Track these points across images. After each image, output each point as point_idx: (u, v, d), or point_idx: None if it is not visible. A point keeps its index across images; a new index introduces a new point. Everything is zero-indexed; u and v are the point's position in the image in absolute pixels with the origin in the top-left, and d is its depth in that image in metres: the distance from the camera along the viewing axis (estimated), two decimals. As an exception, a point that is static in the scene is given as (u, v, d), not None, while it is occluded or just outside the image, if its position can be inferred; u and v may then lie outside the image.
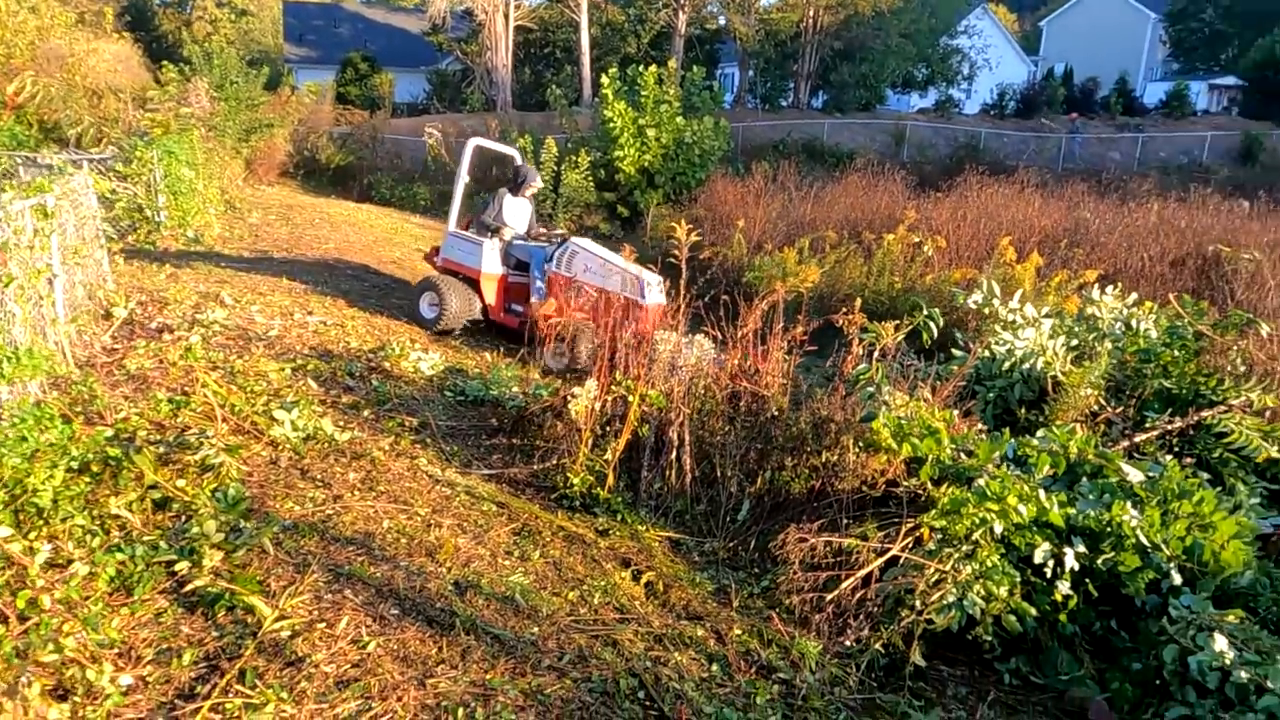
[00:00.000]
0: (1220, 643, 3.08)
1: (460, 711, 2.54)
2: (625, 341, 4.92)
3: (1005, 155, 27.53)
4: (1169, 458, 4.47)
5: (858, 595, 3.63)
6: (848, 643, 3.50)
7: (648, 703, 2.85)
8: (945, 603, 3.49)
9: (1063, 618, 3.64)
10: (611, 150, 18.25)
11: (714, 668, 3.19)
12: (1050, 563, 3.62)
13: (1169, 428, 4.87)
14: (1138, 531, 3.63)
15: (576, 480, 4.45)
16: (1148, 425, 4.98)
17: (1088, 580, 3.66)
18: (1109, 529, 3.68)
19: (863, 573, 3.67)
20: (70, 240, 5.44)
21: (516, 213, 8.05)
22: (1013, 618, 3.52)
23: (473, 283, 7.70)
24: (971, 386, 5.73)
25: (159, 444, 3.68)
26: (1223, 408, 4.90)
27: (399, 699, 2.53)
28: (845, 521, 4.11)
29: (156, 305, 6.24)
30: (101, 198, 8.38)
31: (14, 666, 2.15)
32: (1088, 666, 3.64)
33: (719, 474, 4.58)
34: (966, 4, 36.17)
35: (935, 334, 5.09)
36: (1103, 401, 5.26)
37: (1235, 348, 5.84)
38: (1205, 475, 4.45)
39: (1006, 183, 15.03)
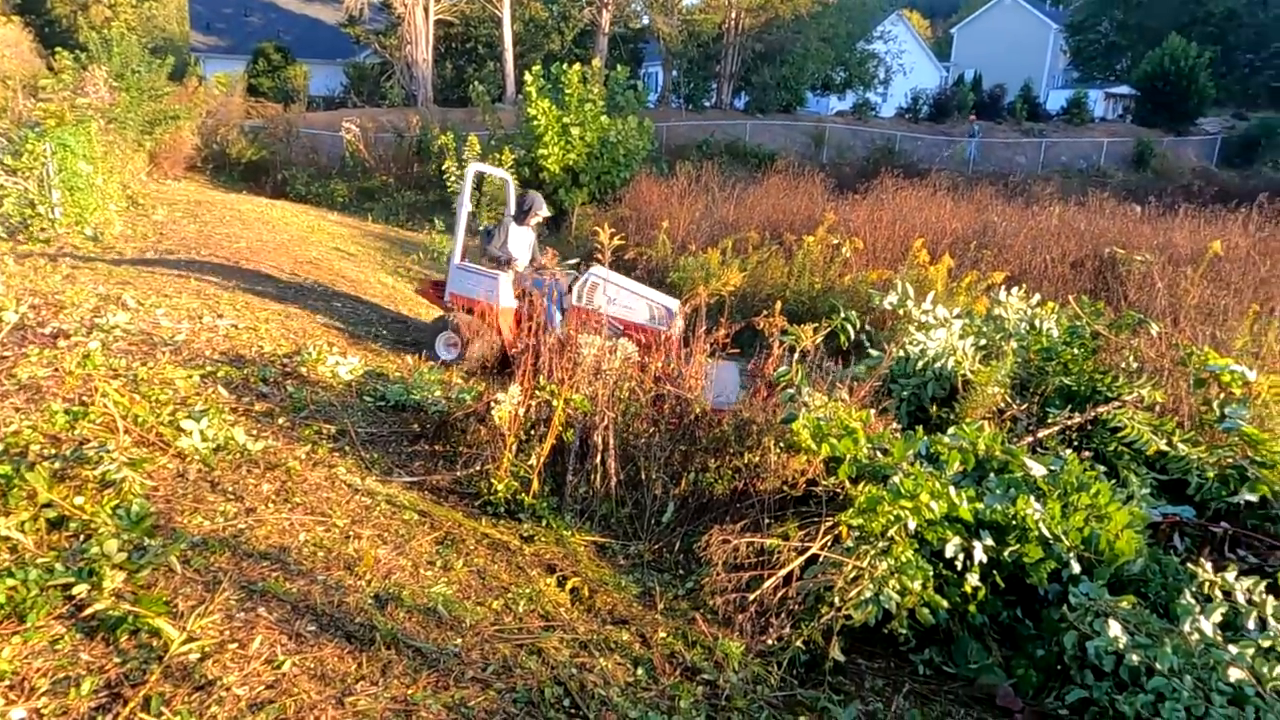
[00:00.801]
0: (1114, 628, 3.26)
1: (381, 729, 2.49)
2: (548, 345, 4.90)
3: (919, 158, 28.53)
4: (1069, 452, 4.71)
5: (779, 594, 3.71)
6: (770, 641, 3.57)
7: (573, 710, 2.85)
8: (863, 598, 3.60)
9: (972, 609, 3.79)
10: (536, 148, 18.13)
11: (639, 672, 3.21)
12: (960, 556, 3.77)
13: (1069, 423, 5.13)
14: (1040, 524, 3.82)
15: (501, 486, 4.41)
16: (1049, 421, 5.23)
17: (995, 572, 3.83)
18: (1014, 522, 3.86)
19: (784, 571, 3.75)
20: (-48, 241, 5.09)
21: (520, 243, 7.57)
22: (926, 610, 3.66)
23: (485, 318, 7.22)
24: (887, 385, 5.92)
25: (54, 459, 3.49)
26: (1117, 403, 5.19)
27: (316, 719, 2.47)
28: (767, 521, 4.19)
29: (51, 309, 5.89)
30: (-12, 194, 7.88)
31: (-110, 706, 2.01)
32: (996, 654, 3.81)
33: (644, 477, 4.61)
34: (882, 10, 37.30)
35: (853, 336, 5.25)
36: (1008, 399, 5.50)
37: (1129, 347, 6.20)
38: (1101, 467, 4.71)
39: (920, 185, 15.58)
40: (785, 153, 25.86)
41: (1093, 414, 5.22)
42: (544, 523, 4.34)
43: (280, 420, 4.80)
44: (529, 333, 5.07)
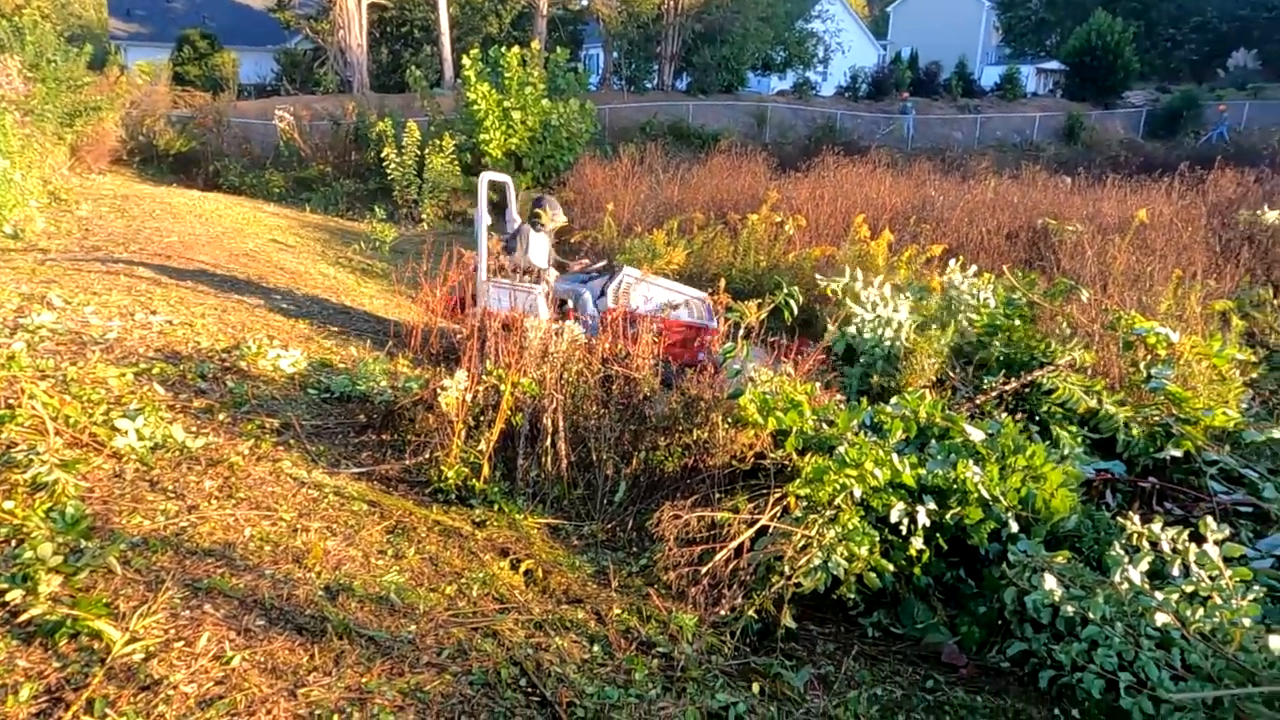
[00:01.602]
0: (1050, 582, 3.40)
1: (335, 718, 2.47)
2: (493, 330, 4.87)
3: (859, 135, 28.90)
4: (1005, 416, 4.87)
5: (731, 566, 3.78)
6: (723, 612, 3.64)
7: (529, 689, 2.87)
8: (812, 566, 3.69)
9: (917, 571, 3.91)
10: (477, 133, 17.90)
11: (595, 648, 3.24)
12: (905, 521, 3.88)
13: (1005, 388, 5.30)
14: (980, 486, 3.95)
15: (451, 473, 4.39)
16: (985, 387, 5.40)
17: (938, 534, 3.95)
18: (955, 486, 3.99)
19: (735, 544, 3.82)
20: None
21: (539, 249, 7.21)
22: (873, 575, 3.76)
23: None
24: (838, 364, 6.03)
25: (-19, 464, 3.36)
26: (1051, 368, 5.37)
27: (268, 712, 2.44)
28: (717, 495, 4.25)
29: (-29, 310, 5.64)
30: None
31: None
32: (940, 614, 3.94)
33: (595, 457, 4.63)
34: (819, -11, 37.55)
35: (796, 311, 5.33)
36: (948, 370, 5.65)
37: (1061, 313, 6.41)
38: (1035, 428, 4.89)
39: (860, 162, 15.81)
40: (728, 133, 25.97)
41: (1027, 379, 5.39)
42: (496, 507, 4.34)
43: (221, 416, 4.69)
44: (455, 313, 4.98)
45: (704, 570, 3.75)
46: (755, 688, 3.17)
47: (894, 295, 6.24)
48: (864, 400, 4.95)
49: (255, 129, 22.12)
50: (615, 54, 32.79)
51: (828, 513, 3.87)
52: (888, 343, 5.92)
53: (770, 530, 3.91)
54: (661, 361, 5.64)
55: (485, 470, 4.46)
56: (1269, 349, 8.06)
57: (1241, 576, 3.25)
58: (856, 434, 4.34)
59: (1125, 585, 3.31)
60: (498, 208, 8.30)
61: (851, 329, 6.09)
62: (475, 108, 17.58)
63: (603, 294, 6.88)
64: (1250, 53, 43.84)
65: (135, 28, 36.67)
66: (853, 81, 35.05)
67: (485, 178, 7.22)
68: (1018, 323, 6.07)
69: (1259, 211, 12.13)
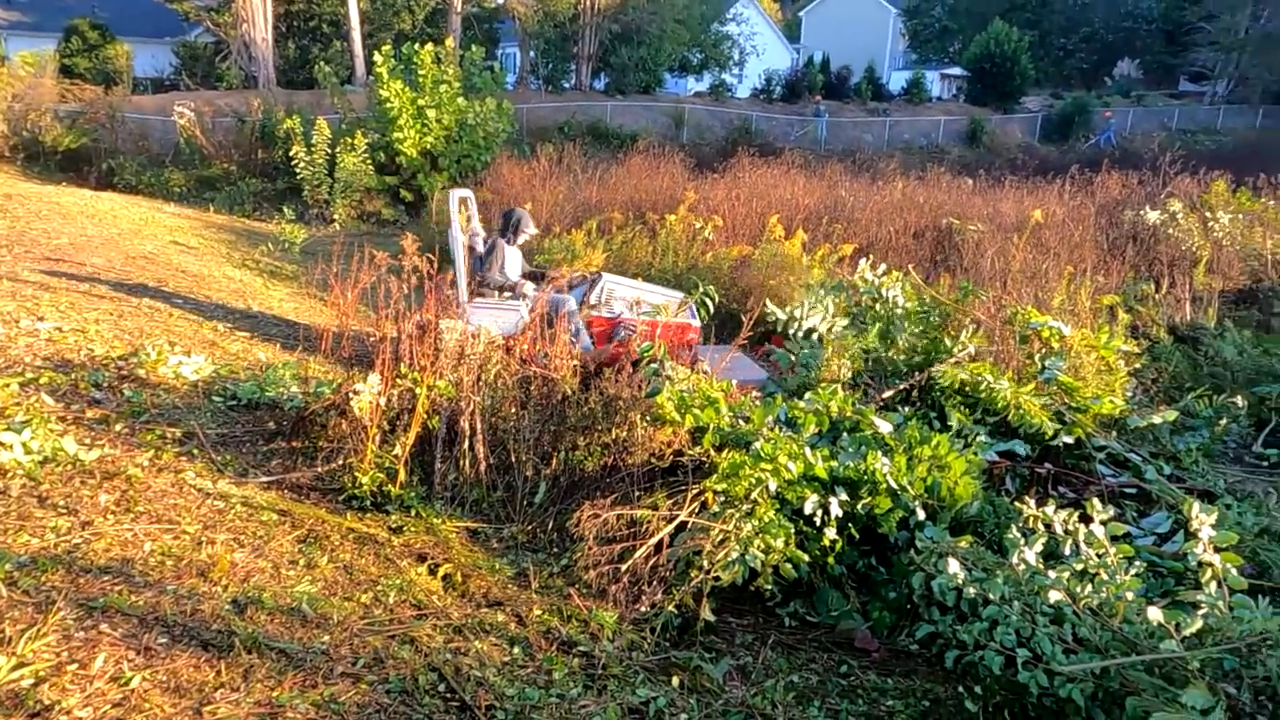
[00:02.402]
0: (954, 565, 3.55)
1: (244, 735, 2.40)
2: (407, 332, 4.79)
3: (774, 137, 29.52)
4: (907, 409, 5.06)
5: (650, 562, 3.82)
6: (643, 609, 3.67)
7: (448, 694, 2.84)
8: (730, 559, 3.76)
9: (831, 560, 4.03)
10: (391, 132, 17.51)
11: (515, 651, 3.23)
12: (819, 512, 3.99)
13: (907, 385, 5.52)
14: (888, 477, 4.10)
15: (365, 479, 4.29)
16: (891, 383, 5.60)
17: (850, 524, 4.08)
18: (866, 477, 4.13)
19: (654, 540, 3.86)
20: None
21: (514, 263, 7.03)
22: (789, 566, 3.86)
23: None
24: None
25: None
26: (952, 360, 5.61)
27: (172, 733, 2.35)
28: (637, 494, 4.29)
29: None
30: None
31: None
32: (854, 601, 4.07)
33: (514, 459, 4.60)
34: (733, -8, 38.15)
35: (712, 309, 5.41)
36: (858, 368, 5.83)
37: (964, 311, 6.70)
38: (934, 415, 5.11)
39: (775, 163, 16.15)
40: (646, 133, 26.12)
41: (925, 376, 5.61)
42: (413, 512, 4.27)
43: (117, 426, 4.46)
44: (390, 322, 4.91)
45: (624, 568, 3.78)
46: (675, 681, 3.22)
47: (824, 302, 6.32)
48: (778, 396, 5.07)
49: (153, 125, 21.09)
50: (532, 53, 32.58)
51: (744, 507, 3.95)
52: (813, 352, 6.05)
53: (689, 526, 3.96)
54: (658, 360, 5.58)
55: (401, 475, 4.38)
56: (1151, 340, 8.62)
57: (1125, 554, 3.46)
58: (772, 429, 4.45)
59: (1022, 566, 3.48)
60: (410, 209, 8.11)
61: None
62: (388, 106, 17.19)
63: (584, 301, 6.80)
64: (1134, 62, 46.69)
65: (16, 16, 34.40)
66: (767, 84, 35.76)
67: (455, 194, 7.01)
68: (929, 329, 6.30)
69: (1142, 212, 12.96)
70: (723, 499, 4.01)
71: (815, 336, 5.99)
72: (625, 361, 4.97)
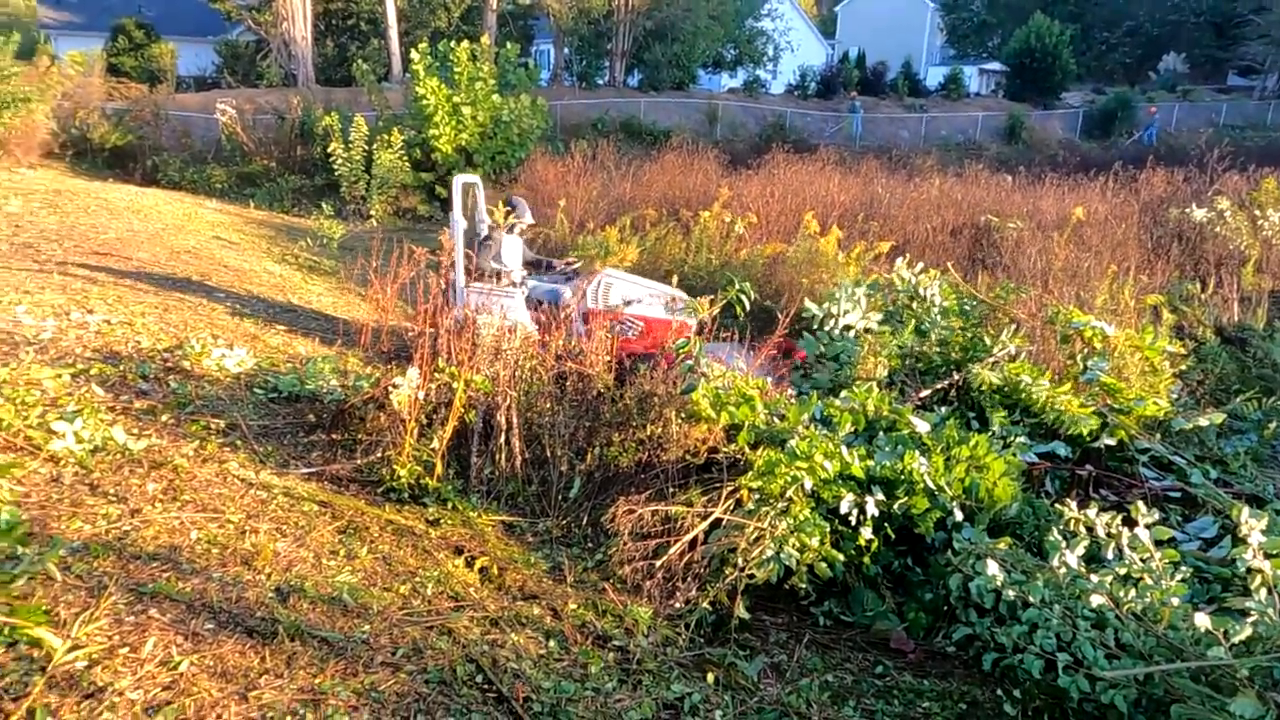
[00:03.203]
0: (993, 567, 3.51)
1: (288, 720, 2.45)
2: (445, 327, 4.84)
3: (808, 134, 29.29)
4: (945, 409, 5.00)
5: (685, 559, 3.82)
6: (677, 605, 3.68)
7: (486, 686, 2.87)
8: (764, 557, 3.75)
9: (866, 560, 4.01)
10: (426, 128, 17.67)
11: (551, 644, 3.26)
12: (854, 511, 3.97)
13: (945, 385, 5.45)
14: (926, 477, 4.06)
15: (403, 472, 4.35)
16: (928, 382, 5.54)
17: (886, 524, 4.05)
18: (902, 477, 4.09)
19: (689, 537, 3.86)
20: None
21: (513, 251, 7.14)
22: (824, 565, 3.84)
23: None
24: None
25: (-92, 470, 3.23)
26: (989, 360, 5.53)
27: (218, 716, 2.41)
28: (671, 490, 4.29)
29: (-107, 310, 5.41)
30: None
31: None
32: (889, 602, 4.04)
33: (549, 454, 4.63)
34: (769, -12, 37.88)
35: (748, 306, 5.39)
36: (895, 366, 5.77)
37: (1003, 310, 6.60)
38: (973, 414, 5.04)
39: (810, 160, 16.02)
40: (680, 130, 26.06)
41: (962, 376, 5.53)
42: (450, 505, 4.32)
43: (164, 417, 4.57)
44: (429, 318, 4.98)
45: (659, 564, 3.79)
46: (710, 678, 3.22)
47: (857, 297, 6.26)
48: (814, 394, 5.04)
49: (196, 123, 21.50)
50: (566, 50, 32.64)
51: (780, 505, 3.93)
52: (847, 345, 6.00)
53: (724, 523, 3.96)
54: (645, 356, 5.74)
55: (439, 468, 4.44)
56: (1197, 341, 8.42)
57: (1170, 558, 3.40)
58: (807, 427, 4.42)
59: (1063, 569, 3.43)
60: (446, 205, 8.19)
61: (823, 334, 6.15)
62: (424, 103, 17.35)
63: (583, 295, 6.85)
64: (1179, 56, 45.55)
65: (66, 16, 35.29)
66: (802, 80, 35.45)
67: (459, 180, 7.14)
68: (970, 327, 6.22)
69: (1187, 209, 12.64)
70: (758, 497, 4.00)
71: (851, 334, 5.95)
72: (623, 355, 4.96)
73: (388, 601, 3.28)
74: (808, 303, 6.14)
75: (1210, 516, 4.72)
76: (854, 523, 3.99)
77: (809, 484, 3.97)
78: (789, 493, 3.96)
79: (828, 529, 3.91)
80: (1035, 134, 32.94)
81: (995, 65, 42.99)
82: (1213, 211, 12.36)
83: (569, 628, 3.39)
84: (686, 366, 4.68)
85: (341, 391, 5.26)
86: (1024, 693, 3.31)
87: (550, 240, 11.42)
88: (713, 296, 5.31)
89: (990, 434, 4.83)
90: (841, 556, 3.89)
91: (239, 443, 4.50)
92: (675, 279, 5.63)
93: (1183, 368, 6.91)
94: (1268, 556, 3.17)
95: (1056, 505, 4.17)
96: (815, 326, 6.09)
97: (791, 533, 3.83)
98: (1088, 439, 5.19)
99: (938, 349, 6.00)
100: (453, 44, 17.78)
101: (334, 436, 4.84)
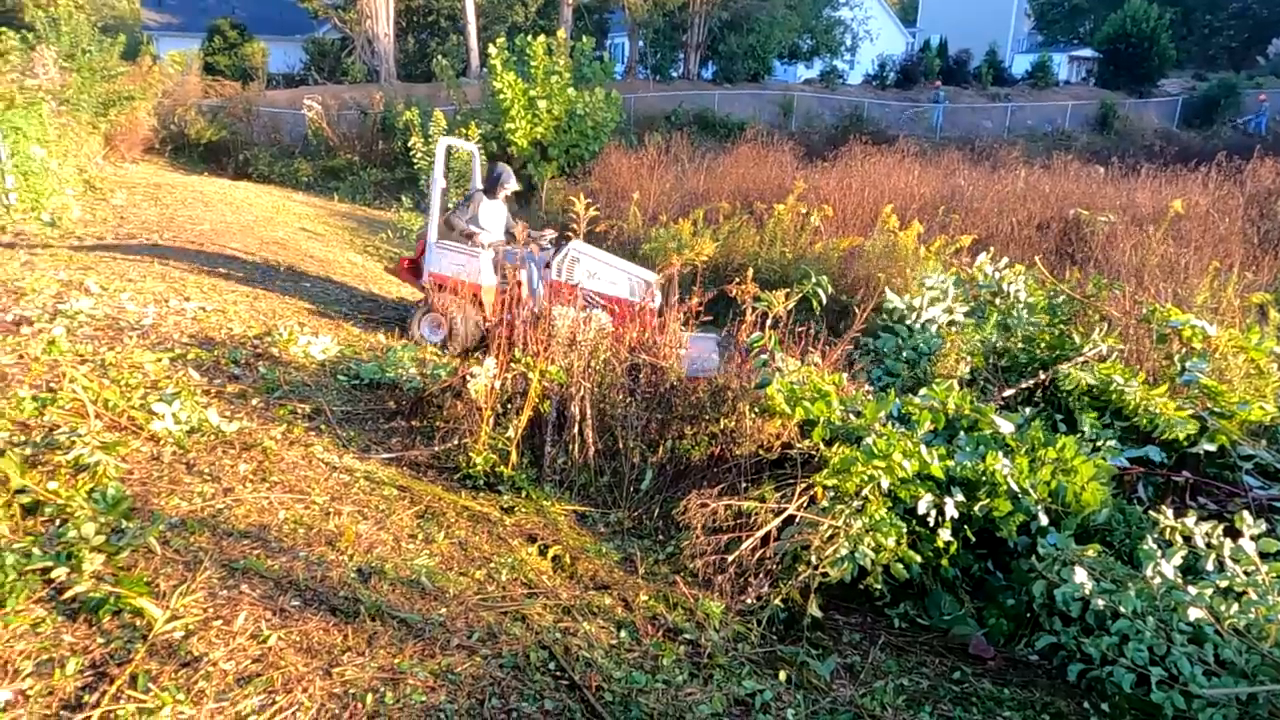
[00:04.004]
0: (1081, 575, 3.37)
1: (369, 697, 2.52)
2: (521, 318, 4.90)
3: (887, 125, 28.59)
4: (1029, 409, 4.82)
5: (757, 555, 3.78)
6: (749, 600, 3.65)
7: (558, 673, 2.90)
8: (839, 556, 3.68)
9: (945, 563, 3.90)
10: (503, 123, 17.92)
11: (622, 634, 3.27)
12: (932, 512, 3.86)
13: (1030, 384, 5.25)
14: (1009, 479, 3.92)
15: (479, 459, 4.43)
16: (1012, 381, 5.35)
17: (966, 526, 3.93)
18: (984, 478, 3.96)
19: (761, 533, 3.82)
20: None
21: (493, 216, 7.38)
22: (900, 566, 3.75)
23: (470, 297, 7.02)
24: (882, 359, 5.96)
25: (25, 445, 3.45)
26: (1079, 359, 5.30)
27: (304, 690, 2.49)
28: (744, 485, 4.26)
29: (12, 295, 5.78)
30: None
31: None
32: (968, 606, 3.92)
33: (621, 446, 4.65)
34: (848, -24, 37.05)
35: (824, 300, 5.29)
36: (977, 364, 5.59)
37: (1094, 307, 6.32)
38: (1060, 416, 4.84)
39: (888, 152, 15.64)
40: (754, 122, 25.76)
41: (1050, 375, 5.31)
42: (523, 494, 4.38)
43: (254, 401, 4.77)
44: (506, 307, 5.06)
45: (730, 559, 3.77)
46: (782, 676, 3.19)
47: (943, 287, 6.08)
48: (891, 391, 4.92)
49: (284, 118, 22.33)
50: (641, 43, 32.63)
51: (855, 503, 3.86)
52: (928, 340, 5.85)
53: (797, 520, 3.90)
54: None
55: (513, 457, 4.50)
56: (1308, 343, 7.89)
57: (1277, 572, 3.20)
58: (884, 425, 4.32)
59: (1158, 579, 3.27)
60: (520, 198, 8.47)
61: (903, 328, 6.01)
62: (501, 97, 17.60)
63: (548, 266, 6.94)
64: (1291, 39, 42.75)
65: (167, 18, 37.08)
66: (880, 70, 34.62)
67: (443, 142, 7.48)
68: (1059, 323, 5.98)
69: (1299, 202, 11.87)
70: (832, 494, 3.94)
71: (934, 328, 5.78)
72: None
73: (463, 586, 3.35)
74: (889, 294, 6.00)
75: (1321, 529, 4.42)
76: (932, 524, 3.88)
77: (886, 483, 3.88)
78: (865, 491, 3.88)
79: (904, 529, 3.81)
80: (1129, 123, 31.41)
81: (1087, 51, 41.13)
82: (1327, 204, 11.57)
83: (640, 619, 3.40)
84: (761, 361, 4.63)
85: (420, 380, 5.40)
86: (1113, 707, 3.17)
87: (623, 233, 11.45)
88: (788, 290, 5.23)
89: (1079, 436, 4.63)
90: (918, 558, 3.79)
91: (323, 427, 4.66)
92: (750, 271, 5.57)
93: (1291, 370, 6.48)
94: (1389, 574, 2.95)
95: (1150, 512, 3.98)
96: (894, 320, 5.95)
97: (867, 532, 3.75)
98: (1184, 444, 4.92)
99: (1023, 346, 5.78)
100: (529, 38, 17.98)
101: (413, 423, 4.97)
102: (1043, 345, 5.74)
